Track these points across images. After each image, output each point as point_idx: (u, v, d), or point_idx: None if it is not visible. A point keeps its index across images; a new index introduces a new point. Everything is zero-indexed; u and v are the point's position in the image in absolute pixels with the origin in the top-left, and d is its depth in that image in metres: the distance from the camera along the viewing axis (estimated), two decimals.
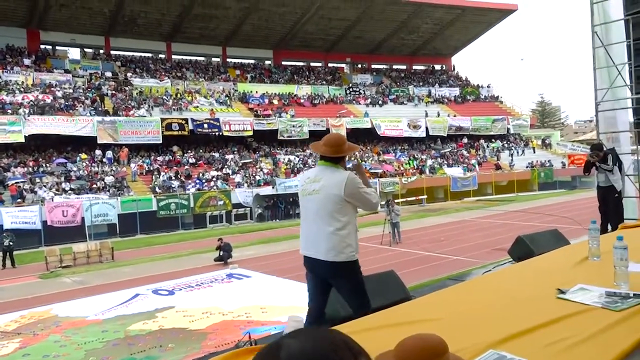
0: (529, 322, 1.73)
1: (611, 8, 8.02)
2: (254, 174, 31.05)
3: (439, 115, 41.52)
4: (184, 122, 32.04)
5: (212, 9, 38.27)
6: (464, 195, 33.75)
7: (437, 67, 52.09)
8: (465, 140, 41.41)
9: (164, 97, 35.00)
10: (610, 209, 7.16)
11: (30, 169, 26.61)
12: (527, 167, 37.86)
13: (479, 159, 39.08)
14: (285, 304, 10.35)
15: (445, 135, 40.64)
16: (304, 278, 13.32)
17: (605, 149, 7.66)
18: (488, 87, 48.44)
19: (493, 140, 42.41)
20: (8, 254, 16.55)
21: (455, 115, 42.09)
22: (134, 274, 14.12)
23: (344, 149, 3.39)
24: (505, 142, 42.79)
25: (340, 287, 3.44)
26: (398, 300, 3.54)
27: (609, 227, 6.88)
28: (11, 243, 16.63)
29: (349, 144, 3.46)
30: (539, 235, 5.82)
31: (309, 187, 3.39)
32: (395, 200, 32.65)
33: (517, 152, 40.71)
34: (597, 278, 2.32)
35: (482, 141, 41.90)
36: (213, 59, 44.18)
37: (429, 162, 37.27)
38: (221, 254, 14.91)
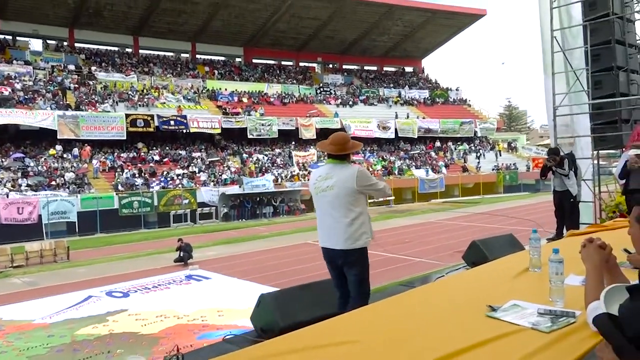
0: (451, 346, 1.57)
1: (570, 13, 8.07)
2: (220, 173, 30.57)
3: (408, 116, 41.79)
4: (149, 118, 31.30)
5: (180, 4, 37.53)
6: (432, 197, 34.03)
7: (408, 69, 52.48)
8: (437, 143, 41.78)
9: (130, 92, 34.14)
10: (566, 213, 7.18)
11: None
12: (493, 169, 38.47)
13: (446, 161, 39.50)
14: (243, 306, 10.04)
15: (415, 136, 40.93)
16: (264, 280, 13.04)
17: (562, 153, 7.70)
18: (457, 90, 49.06)
19: (460, 142, 42.94)
20: None
21: (424, 117, 42.43)
22: (89, 275, 13.61)
23: (349, 146, 3.67)
24: (472, 145, 43.38)
25: (352, 275, 3.66)
26: (331, 314, 3.36)
27: (565, 232, 6.90)
28: None
29: (352, 142, 3.74)
30: (493, 240, 5.76)
31: (322, 184, 3.62)
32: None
33: (484, 155, 41.33)
34: (533, 293, 2.19)
35: (449, 143, 42.38)
36: (182, 55, 43.38)
37: (398, 163, 37.46)
38: (181, 255, 14.53)
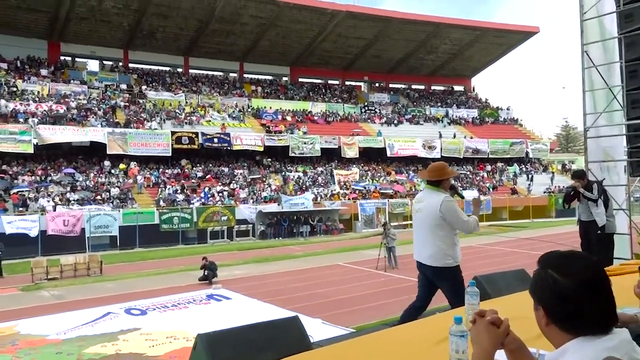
0: None
1: (605, 25, 7.39)
2: (261, 190, 30.67)
3: (455, 136, 40.67)
4: (194, 135, 31.98)
5: (229, 25, 38.47)
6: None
7: (457, 87, 51.37)
8: (488, 165, 40.38)
9: (177, 110, 35.09)
10: (593, 247, 6.44)
11: (38, 178, 26.74)
12: (544, 192, 36.62)
13: (495, 182, 38.00)
14: None
15: (461, 157, 39.73)
16: (285, 302, 12.64)
17: (588, 177, 6.97)
18: (508, 109, 47.43)
19: (510, 163, 41.28)
20: None
21: (472, 137, 41.17)
22: (116, 290, 13.72)
23: (442, 174, 4.24)
24: (523, 166, 41.60)
25: (442, 287, 4.27)
26: (291, 352, 2.96)
27: None
28: (0, 252, 16.44)
29: (447, 170, 4.31)
30: (500, 275, 5.15)
31: (416, 206, 4.35)
32: (404, 222, 32.04)
33: (533, 177, 39.45)
34: None
35: (499, 164, 40.83)
36: (230, 74, 44.38)
37: None
38: (205, 273, 14.42)
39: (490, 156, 40.58)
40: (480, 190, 35.68)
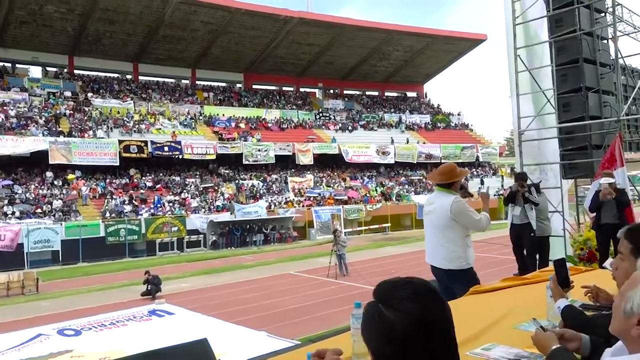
0: None
1: (536, 30, 7.45)
2: (213, 200, 30.01)
3: (408, 141, 41.18)
4: (143, 144, 30.99)
5: (179, 31, 37.64)
6: None
7: (411, 94, 52.15)
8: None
9: (125, 118, 33.97)
10: (526, 250, 6.42)
11: None
12: (494, 195, 37.47)
13: None
14: None
15: (415, 162, 40.24)
16: (230, 316, 11.96)
17: (530, 180, 6.98)
18: (459, 114, 48.51)
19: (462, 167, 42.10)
20: None
21: (425, 143, 41.79)
22: (51, 309, 12.94)
23: (452, 176, 4.11)
24: (474, 170, 42.52)
25: (457, 290, 3.89)
26: None
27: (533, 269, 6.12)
28: None
29: (458, 170, 4.18)
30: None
31: (427, 208, 4.26)
32: (359, 228, 32.08)
33: (482, 181, 40.39)
34: None
35: None
36: (182, 81, 43.44)
37: (396, 189, 36.69)
38: (149, 288, 13.82)
39: (443, 161, 41.21)
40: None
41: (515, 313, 2.50)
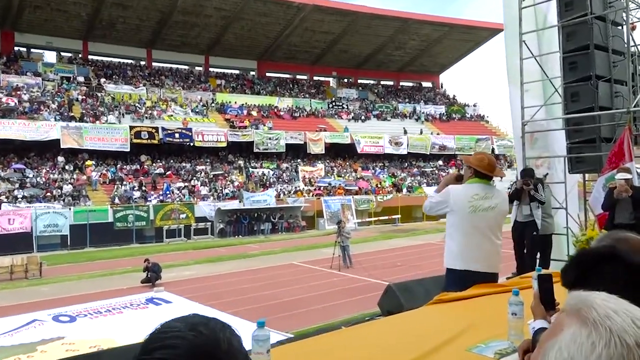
0: None
1: (545, 14, 7.01)
2: (223, 187, 29.90)
3: (421, 132, 40.58)
4: (154, 130, 30.95)
5: (192, 17, 37.40)
6: (442, 216, 32.51)
7: (426, 84, 51.34)
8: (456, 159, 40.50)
9: (137, 104, 33.95)
10: (527, 248, 6.06)
11: None
12: (508, 188, 36.77)
13: None
14: None
15: (427, 153, 39.65)
16: (227, 305, 11.72)
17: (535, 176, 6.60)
18: (474, 106, 47.64)
19: None
20: None
21: (438, 134, 41.14)
22: (51, 294, 12.92)
23: (496, 170, 3.67)
24: None
25: None
26: None
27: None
28: None
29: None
30: (417, 283, 4.71)
31: (482, 203, 3.49)
32: (369, 219, 31.72)
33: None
34: None
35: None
36: (196, 68, 43.28)
37: (408, 180, 36.21)
38: (148, 275, 13.72)
39: (457, 152, 40.59)
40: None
41: (474, 331, 2.20)
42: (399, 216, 30.74)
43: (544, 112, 7.03)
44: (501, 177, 3.99)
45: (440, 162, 40.03)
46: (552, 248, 6.38)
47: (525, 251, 6.29)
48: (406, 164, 39.51)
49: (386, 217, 30.07)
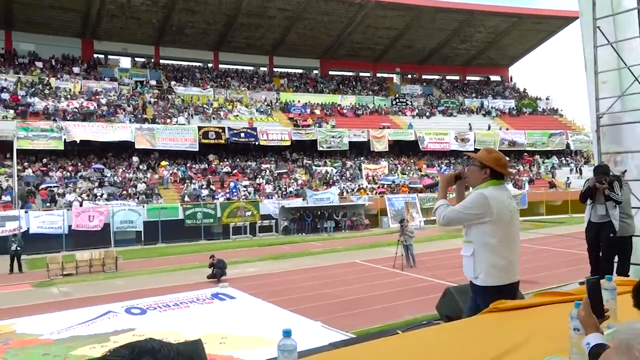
0: None
1: None
2: (287, 185, 30.33)
3: (489, 128, 39.14)
4: (220, 130, 31.93)
5: (257, 19, 38.22)
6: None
7: (494, 77, 49.50)
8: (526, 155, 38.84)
9: (205, 105, 35.15)
10: (603, 252, 5.62)
11: (68, 174, 27.25)
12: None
13: (532, 175, 36.33)
14: (250, 333, 9.33)
15: (497, 149, 38.04)
16: (289, 303, 11.96)
17: (611, 173, 6.11)
18: (547, 99, 45.33)
19: (549, 156, 39.40)
20: (15, 258, 16.58)
21: (508, 129, 39.52)
22: (124, 288, 13.62)
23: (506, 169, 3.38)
24: (563, 159, 39.63)
25: None
26: None
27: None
28: (19, 248, 16.65)
29: None
30: None
31: (510, 205, 3.20)
32: (434, 217, 30.92)
33: (578, 170, 37.44)
34: None
35: (537, 157, 39.05)
36: (261, 69, 44.20)
37: None
38: (214, 271, 14.13)
39: (528, 148, 38.84)
40: (515, 185, 34.15)
41: (532, 344, 2.03)
42: None
43: (620, 103, 6.51)
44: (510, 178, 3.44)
45: (508, 159, 38.44)
46: (632, 252, 5.89)
47: (600, 254, 5.84)
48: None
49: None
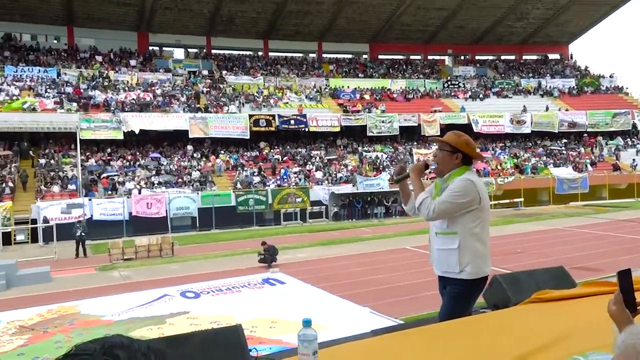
0: None
1: None
2: (337, 171, 30.37)
3: (547, 109, 37.48)
4: (270, 118, 32.32)
5: (305, 5, 38.20)
6: (571, 199, 29.98)
7: (553, 56, 47.25)
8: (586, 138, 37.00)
9: (255, 93, 35.62)
10: None
11: (128, 163, 28.47)
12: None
13: (594, 158, 34.58)
14: (299, 318, 9.46)
15: (555, 131, 36.56)
16: (339, 288, 12.15)
17: None
18: (611, 77, 42.83)
19: (613, 137, 37.34)
20: (80, 243, 17.57)
21: (567, 109, 37.71)
22: (179, 272, 14.14)
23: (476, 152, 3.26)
24: (629, 140, 37.45)
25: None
26: None
27: None
28: (83, 233, 17.63)
29: None
30: (527, 275, 4.31)
31: (485, 194, 3.04)
32: (490, 203, 30.14)
33: None
34: None
35: (599, 138, 37.11)
36: (310, 55, 44.23)
37: (532, 160, 33.75)
38: (265, 257, 14.42)
39: (589, 129, 36.95)
40: (576, 168, 32.65)
41: (576, 338, 1.93)
42: (522, 199, 28.86)
43: None
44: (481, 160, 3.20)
45: (565, 140, 36.72)
46: None
47: None
48: (530, 144, 36.86)
49: (507, 201, 28.37)
